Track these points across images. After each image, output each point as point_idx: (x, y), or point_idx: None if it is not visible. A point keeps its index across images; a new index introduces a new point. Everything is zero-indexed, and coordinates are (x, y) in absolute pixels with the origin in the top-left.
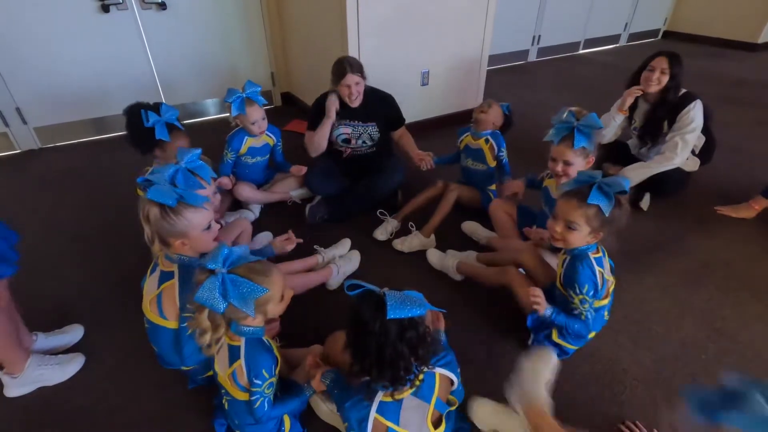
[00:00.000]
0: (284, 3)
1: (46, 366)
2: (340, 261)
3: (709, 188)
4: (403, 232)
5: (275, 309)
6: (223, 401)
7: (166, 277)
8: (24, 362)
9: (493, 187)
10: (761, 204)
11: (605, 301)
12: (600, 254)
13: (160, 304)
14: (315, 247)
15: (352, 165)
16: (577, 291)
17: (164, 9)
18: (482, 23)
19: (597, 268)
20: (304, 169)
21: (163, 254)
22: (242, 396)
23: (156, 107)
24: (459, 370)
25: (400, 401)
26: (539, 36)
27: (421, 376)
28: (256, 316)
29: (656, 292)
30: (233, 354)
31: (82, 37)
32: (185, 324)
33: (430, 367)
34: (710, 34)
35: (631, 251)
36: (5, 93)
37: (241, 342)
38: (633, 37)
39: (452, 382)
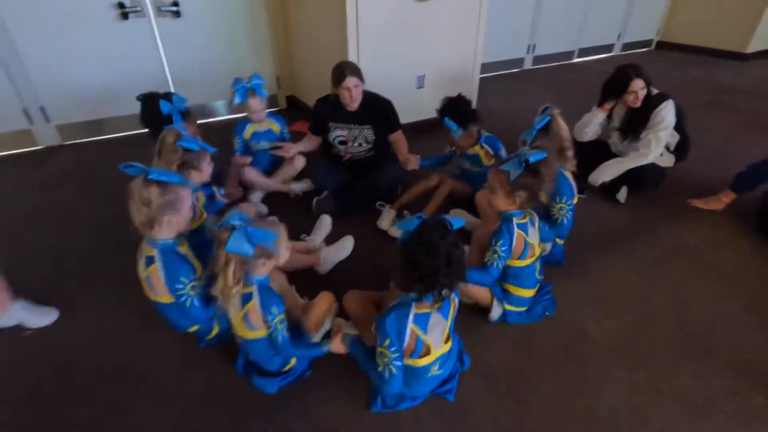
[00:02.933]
0: (289, 12)
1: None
2: (329, 249)
3: (685, 184)
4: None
5: (285, 254)
6: (237, 341)
7: (149, 261)
8: (8, 303)
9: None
10: (729, 197)
11: (528, 261)
12: (525, 221)
13: (149, 285)
14: (302, 236)
15: (353, 166)
16: (492, 243)
17: (178, 17)
18: (474, 32)
19: (518, 231)
20: (293, 150)
21: (145, 240)
22: (253, 335)
23: (168, 96)
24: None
25: (429, 314)
26: (534, 45)
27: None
28: (271, 259)
29: (626, 272)
30: (245, 299)
31: (103, 42)
32: (182, 299)
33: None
34: (701, 44)
35: (605, 237)
36: (31, 93)
37: (253, 288)
38: (627, 46)
39: (456, 307)
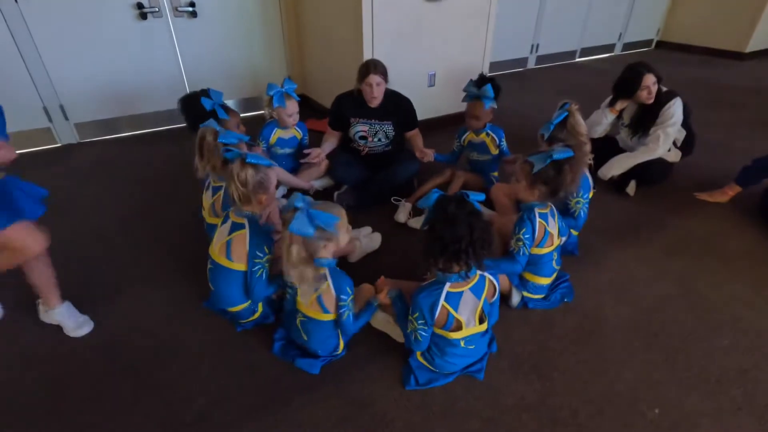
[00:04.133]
0: (302, 12)
1: (70, 318)
2: (363, 239)
3: (691, 178)
4: (417, 213)
5: (344, 237)
6: (297, 323)
7: (237, 227)
8: (57, 301)
9: (496, 173)
10: (734, 190)
11: (546, 250)
12: (546, 211)
13: (228, 249)
14: None
15: (371, 160)
16: (516, 231)
17: (195, 17)
18: (483, 31)
19: (539, 221)
20: (321, 156)
21: (233, 210)
22: (325, 317)
23: (205, 93)
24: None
25: (461, 293)
26: (537, 44)
27: (477, 276)
28: (332, 241)
29: (637, 261)
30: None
31: (122, 41)
32: (255, 268)
33: (482, 269)
34: (701, 44)
35: (616, 228)
36: (51, 91)
37: (325, 271)
38: (627, 46)
39: (495, 290)
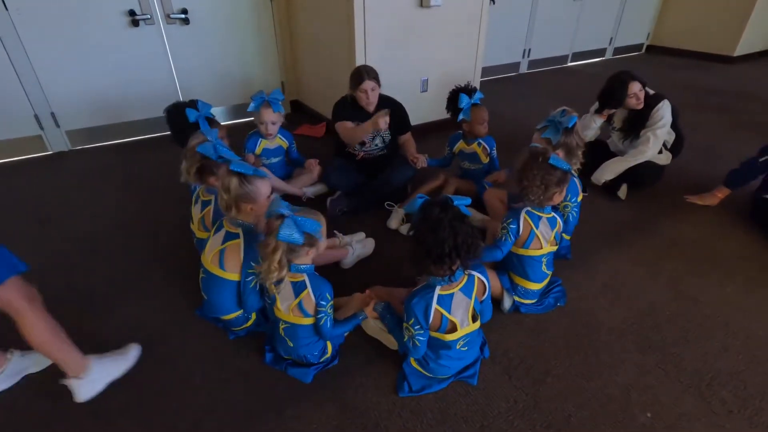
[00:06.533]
0: (295, 18)
1: (107, 359)
2: (356, 245)
3: (681, 181)
4: (410, 219)
5: (323, 244)
6: (280, 331)
7: (231, 236)
8: (85, 360)
9: (487, 179)
10: (723, 193)
11: (533, 252)
12: (541, 215)
13: (221, 259)
14: (334, 231)
15: (366, 165)
16: (504, 220)
17: (187, 24)
18: (475, 37)
19: (524, 216)
20: (317, 165)
21: (227, 219)
22: (307, 321)
23: (193, 104)
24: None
25: (452, 294)
26: (529, 49)
27: (465, 277)
28: (314, 247)
29: (630, 264)
30: (298, 288)
31: (114, 48)
32: (248, 278)
33: (469, 271)
34: (690, 48)
35: (608, 232)
36: (42, 99)
37: (304, 277)
38: (618, 50)
39: (485, 288)
